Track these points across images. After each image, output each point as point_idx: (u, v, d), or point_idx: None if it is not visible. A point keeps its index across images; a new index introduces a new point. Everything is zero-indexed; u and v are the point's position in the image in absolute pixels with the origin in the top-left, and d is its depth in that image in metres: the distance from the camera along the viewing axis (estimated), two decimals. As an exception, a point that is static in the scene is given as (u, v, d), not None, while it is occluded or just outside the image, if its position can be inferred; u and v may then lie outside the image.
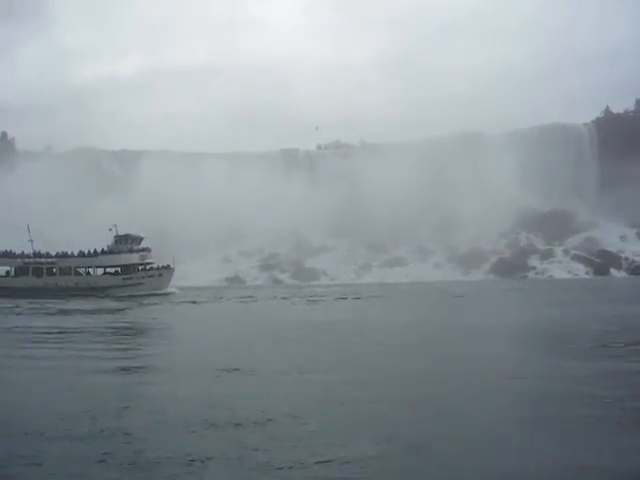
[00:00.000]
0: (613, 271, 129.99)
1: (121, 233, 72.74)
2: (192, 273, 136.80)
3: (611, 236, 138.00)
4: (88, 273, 73.70)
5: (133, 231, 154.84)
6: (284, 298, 56.97)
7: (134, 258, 71.37)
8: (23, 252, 74.07)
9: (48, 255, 73.65)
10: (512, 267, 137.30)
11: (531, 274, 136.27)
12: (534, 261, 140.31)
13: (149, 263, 72.64)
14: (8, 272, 73.97)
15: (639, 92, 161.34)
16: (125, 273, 71.35)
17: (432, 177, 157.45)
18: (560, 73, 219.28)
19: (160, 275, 71.75)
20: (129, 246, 71.95)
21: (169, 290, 70.84)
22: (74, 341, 25.81)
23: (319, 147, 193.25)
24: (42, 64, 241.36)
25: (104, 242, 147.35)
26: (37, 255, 73.67)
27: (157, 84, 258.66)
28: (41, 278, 72.04)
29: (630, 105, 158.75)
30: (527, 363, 17.97)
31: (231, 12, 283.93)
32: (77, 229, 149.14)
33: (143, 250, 72.23)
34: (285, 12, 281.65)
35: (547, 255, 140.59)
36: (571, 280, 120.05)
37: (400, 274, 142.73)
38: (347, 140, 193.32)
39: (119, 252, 71.32)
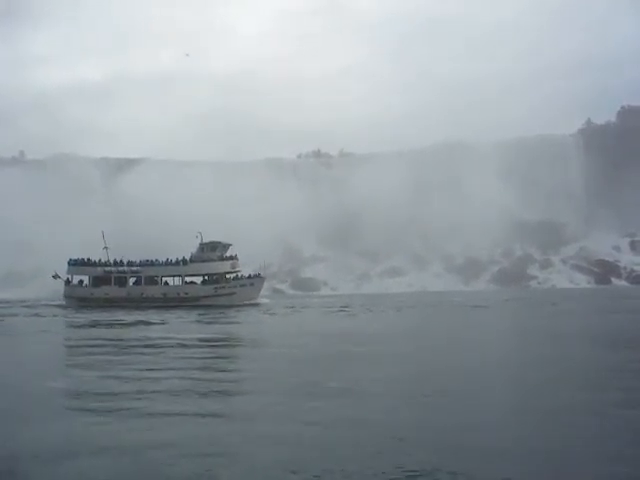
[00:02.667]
0: (614, 280, 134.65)
1: (206, 240, 69.93)
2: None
3: (604, 246, 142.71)
4: (166, 282, 70.42)
5: (124, 242, 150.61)
6: (325, 310, 53.67)
7: (225, 266, 68.56)
8: (101, 260, 70.14)
9: (130, 263, 69.94)
10: (513, 277, 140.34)
11: (533, 283, 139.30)
12: (534, 271, 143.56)
13: (238, 271, 70.13)
14: (82, 281, 69.81)
15: (617, 103, 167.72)
16: (215, 282, 68.58)
17: (418, 187, 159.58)
18: (538, 84, 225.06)
19: (252, 284, 69.32)
20: (218, 253, 69.17)
21: (260, 300, 68.65)
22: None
23: (299, 156, 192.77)
24: (5, 68, 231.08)
25: (91, 250, 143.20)
26: (117, 263, 69.89)
27: (124, 90, 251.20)
28: (124, 288, 68.34)
29: (611, 116, 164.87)
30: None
31: (201, 18, 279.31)
32: (61, 237, 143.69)
33: (232, 258, 69.61)
34: (255, 18, 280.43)
35: (546, 265, 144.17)
36: (575, 289, 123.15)
37: (402, 284, 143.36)
38: (327, 150, 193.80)
39: (208, 260, 68.45)
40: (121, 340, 29.24)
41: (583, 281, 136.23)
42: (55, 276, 71.05)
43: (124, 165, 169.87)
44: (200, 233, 69.92)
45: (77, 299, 67.76)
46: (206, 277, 69.46)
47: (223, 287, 67.81)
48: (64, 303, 69.00)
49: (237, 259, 70.02)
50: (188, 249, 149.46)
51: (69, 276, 70.65)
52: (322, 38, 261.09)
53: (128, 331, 34.31)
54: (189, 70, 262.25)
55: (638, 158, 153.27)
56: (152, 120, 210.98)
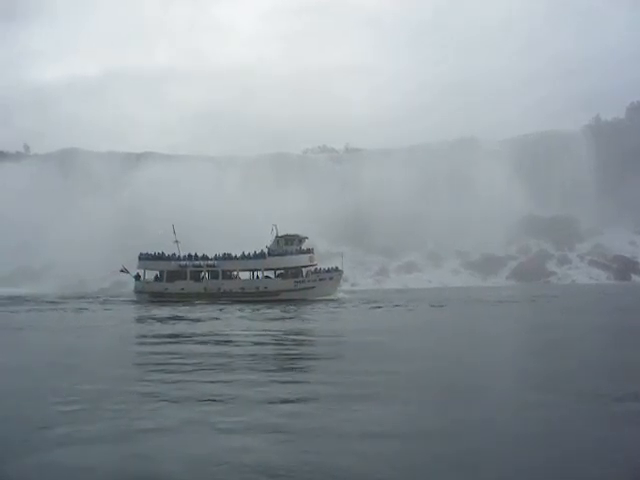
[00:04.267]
0: (634, 276, 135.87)
1: (281, 233, 68.19)
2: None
3: (620, 242, 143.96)
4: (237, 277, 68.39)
5: (134, 237, 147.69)
6: (372, 306, 50.14)
7: (304, 260, 66.68)
8: (175, 254, 67.97)
9: (205, 257, 67.84)
10: (532, 272, 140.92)
11: (553, 279, 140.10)
12: (552, 266, 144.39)
13: (315, 265, 68.50)
14: (157, 276, 67.53)
15: (622, 100, 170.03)
16: (292, 276, 66.86)
17: (428, 183, 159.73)
18: (545, 81, 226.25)
19: (331, 278, 67.76)
20: (296, 247, 67.44)
21: (338, 295, 67.19)
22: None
23: (305, 152, 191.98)
24: (2, 64, 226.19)
25: (103, 244, 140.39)
26: (192, 257, 67.77)
27: (120, 87, 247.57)
28: (200, 282, 66.21)
29: (620, 113, 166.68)
30: None
31: (195, 16, 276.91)
32: (71, 232, 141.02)
33: (309, 251, 67.94)
34: (249, 16, 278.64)
35: (563, 261, 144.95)
36: (595, 285, 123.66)
37: (421, 280, 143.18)
38: (332, 146, 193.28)
39: (287, 253, 66.68)
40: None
41: (602, 277, 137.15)
42: (123, 270, 68.63)
43: (131, 159, 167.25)
44: (275, 226, 68.16)
45: (150, 294, 65.42)
46: (282, 271, 67.63)
47: (303, 281, 66.12)
48: (134, 299, 66.59)
49: (313, 252, 68.41)
50: (204, 244, 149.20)
51: (139, 271, 68.15)
52: (320, 35, 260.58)
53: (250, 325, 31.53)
54: (186, 67, 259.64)
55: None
56: (150, 116, 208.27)
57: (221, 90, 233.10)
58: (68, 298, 76.06)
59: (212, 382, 13.40)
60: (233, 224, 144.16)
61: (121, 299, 68.84)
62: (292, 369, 15.86)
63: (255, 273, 67.64)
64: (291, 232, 68.72)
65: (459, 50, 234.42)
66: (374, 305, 51.34)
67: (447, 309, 46.31)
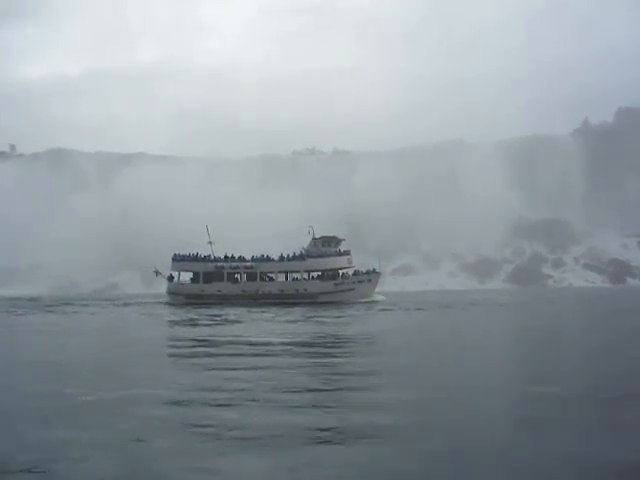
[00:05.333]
0: (629, 280, 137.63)
1: (318, 235, 67.12)
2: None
3: (612, 245, 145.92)
4: (271, 278, 67.09)
5: (124, 238, 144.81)
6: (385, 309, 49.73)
7: (343, 262, 65.68)
8: (211, 255, 66.39)
9: (242, 259, 66.39)
10: (529, 275, 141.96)
11: (549, 282, 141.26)
12: (547, 269, 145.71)
13: (353, 267, 67.55)
14: (193, 278, 65.82)
15: (611, 103, 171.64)
16: (330, 278, 65.82)
17: (419, 185, 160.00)
18: (533, 83, 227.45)
19: (369, 280, 66.84)
20: (334, 248, 66.41)
21: (376, 297, 66.24)
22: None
23: (293, 153, 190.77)
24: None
25: (91, 245, 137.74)
26: (228, 258, 66.26)
27: (104, 86, 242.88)
28: (238, 284, 64.75)
29: (608, 117, 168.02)
30: None
31: (184, 15, 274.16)
32: (58, 233, 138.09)
33: (348, 253, 66.96)
34: (237, 17, 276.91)
35: (558, 264, 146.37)
36: (592, 288, 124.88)
37: (418, 282, 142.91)
38: (320, 147, 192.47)
39: (326, 255, 65.56)
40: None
41: (598, 280, 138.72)
42: (156, 272, 66.78)
43: (120, 160, 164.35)
44: (312, 227, 67.06)
45: (185, 296, 63.75)
46: (318, 273, 66.51)
47: (342, 283, 65.14)
48: (168, 300, 64.84)
49: (351, 254, 67.44)
50: (195, 245, 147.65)
51: (172, 272, 66.41)
52: (309, 37, 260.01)
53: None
54: (172, 67, 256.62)
55: (635, 158, 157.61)
56: (135, 116, 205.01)
57: (207, 91, 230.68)
58: (74, 300, 74.25)
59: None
60: (226, 225, 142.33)
61: (154, 300, 66.71)
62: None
63: (291, 275, 66.45)
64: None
65: (449, 52, 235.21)
66: (415, 308, 51.50)
67: (463, 312, 46.75)
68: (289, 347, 22.27)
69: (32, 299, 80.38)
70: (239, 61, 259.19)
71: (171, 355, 21.73)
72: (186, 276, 66.73)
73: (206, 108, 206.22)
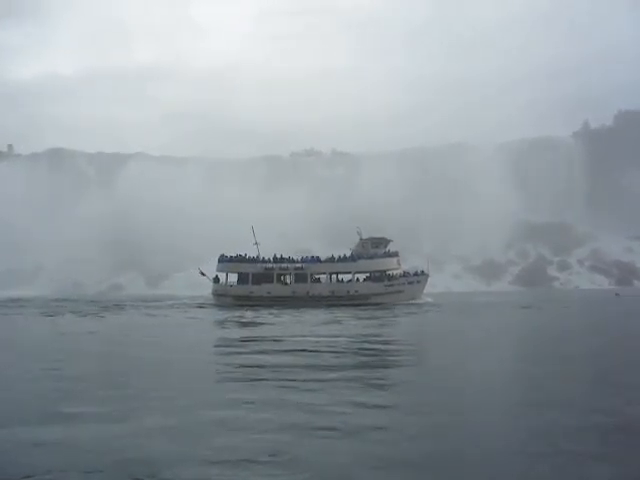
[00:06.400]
0: (636, 282, 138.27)
1: (365, 236, 66.43)
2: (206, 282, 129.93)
3: (616, 248, 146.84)
4: (318, 279, 66.12)
5: (125, 238, 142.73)
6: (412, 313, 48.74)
7: (393, 263, 65.03)
8: (258, 256, 65.21)
9: (290, 260, 65.34)
10: (535, 278, 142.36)
11: (556, 284, 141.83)
12: (553, 272, 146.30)
13: (401, 268, 66.86)
14: (240, 279, 64.52)
15: (610, 106, 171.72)
16: (379, 279, 65.00)
17: (421, 187, 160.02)
18: (531, 84, 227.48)
19: (418, 282, 66.25)
20: (384, 249, 65.75)
21: (424, 299, 65.63)
22: None
23: (292, 155, 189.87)
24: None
25: (88, 245, 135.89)
26: (276, 259, 65.15)
27: (100, 86, 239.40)
28: (288, 286, 63.70)
29: (607, 120, 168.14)
30: None
31: (181, 16, 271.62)
32: (60, 234, 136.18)
33: (396, 254, 66.29)
34: (235, 17, 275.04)
35: (563, 266, 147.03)
36: (598, 291, 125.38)
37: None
38: (319, 149, 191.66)
39: (376, 256, 64.81)
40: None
41: (604, 282, 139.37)
42: (201, 273, 65.38)
43: (120, 160, 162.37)
44: (359, 228, 66.38)
45: (233, 297, 62.48)
46: (368, 274, 65.71)
47: (392, 285, 64.40)
48: (215, 302, 63.47)
49: (399, 255, 66.78)
50: (198, 247, 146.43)
51: (217, 274, 65.12)
52: (309, 38, 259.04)
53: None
54: (169, 67, 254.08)
55: (636, 161, 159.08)
56: (133, 116, 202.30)
57: (204, 91, 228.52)
58: (106, 302, 72.85)
59: None
60: (228, 226, 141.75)
61: (197, 302, 65.19)
62: None
63: (339, 276, 65.72)
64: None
65: (449, 52, 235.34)
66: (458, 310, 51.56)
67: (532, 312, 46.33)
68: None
69: (56, 300, 78.72)
70: (238, 62, 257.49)
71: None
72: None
73: (203, 109, 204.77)
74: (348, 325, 34.47)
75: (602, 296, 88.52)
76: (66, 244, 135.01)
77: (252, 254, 66.49)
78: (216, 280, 64.90)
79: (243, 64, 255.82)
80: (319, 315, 42.71)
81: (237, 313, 47.63)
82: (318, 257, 65.19)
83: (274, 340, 25.64)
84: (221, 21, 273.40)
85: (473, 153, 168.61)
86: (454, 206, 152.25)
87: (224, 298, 63.01)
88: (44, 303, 67.26)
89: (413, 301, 62.62)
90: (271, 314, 44.67)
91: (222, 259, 64.89)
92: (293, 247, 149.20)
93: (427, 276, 66.88)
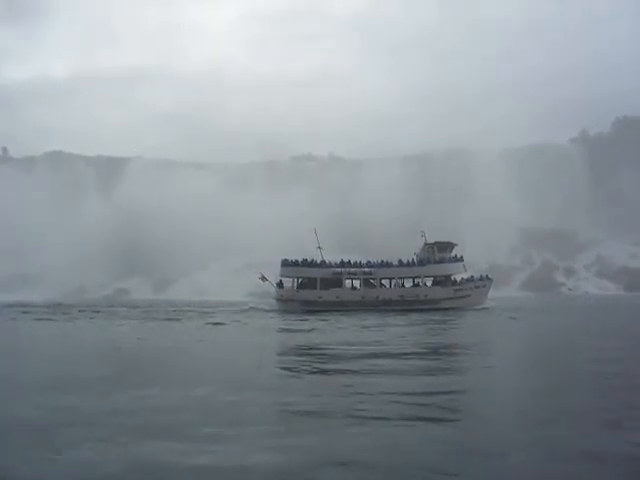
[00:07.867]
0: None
1: (432, 241, 65.41)
2: (211, 287, 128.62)
3: (620, 254, 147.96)
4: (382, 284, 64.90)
5: (128, 244, 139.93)
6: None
7: (459, 267, 64.21)
8: (324, 260, 63.59)
9: (358, 264, 63.90)
10: (543, 283, 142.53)
11: (564, 290, 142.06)
12: (560, 277, 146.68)
13: (466, 273, 65.92)
14: (304, 284, 62.79)
15: (607, 112, 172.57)
16: (446, 284, 63.99)
17: (423, 193, 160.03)
18: (532, 89, 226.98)
19: (484, 286, 65.44)
20: (450, 254, 64.79)
21: (488, 304, 64.83)
22: None
23: (291, 159, 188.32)
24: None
25: (91, 248, 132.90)
26: (344, 264, 63.59)
27: (92, 88, 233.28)
28: (357, 290, 62.26)
29: (604, 127, 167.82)
30: None
31: (173, 19, 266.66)
32: (62, 239, 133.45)
33: (461, 259, 65.35)
34: (224, 19, 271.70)
35: (570, 272, 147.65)
36: (611, 296, 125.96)
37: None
38: (316, 153, 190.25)
39: (442, 261, 63.84)
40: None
41: (612, 288, 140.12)
42: (263, 278, 63.46)
43: (118, 164, 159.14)
44: (424, 232, 65.34)
45: (301, 303, 60.82)
46: (432, 279, 64.71)
47: (461, 289, 63.44)
48: (280, 307, 61.67)
49: (464, 260, 65.88)
50: (201, 252, 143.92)
51: (281, 279, 63.31)
52: (301, 40, 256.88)
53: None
54: (159, 71, 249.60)
55: (635, 167, 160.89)
56: (123, 119, 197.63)
57: (195, 94, 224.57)
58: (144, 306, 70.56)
59: None
60: (232, 229, 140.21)
61: (260, 307, 63.19)
62: None
63: (403, 281, 64.60)
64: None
65: (445, 57, 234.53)
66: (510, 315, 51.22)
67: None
68: None
69: (74, 306, 75.74)
70: (231, 65, 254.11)
71: None
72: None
73: (197, 112, 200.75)
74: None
75: (611, 301, 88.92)
76: (68, 248, 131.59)
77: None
78: (280, 285, 63.03)
79: (237, 67, 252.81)
80: (427, 322, 41.26)
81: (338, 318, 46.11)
82: (387, 261, 63.82)
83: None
84: (214, 24, 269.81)
85: (474, 158, 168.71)
86: (457, 210, 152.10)
87: (290, 303, 61.24)
88: (91, 308, 64.20)
89: (479, 305, 61.73)
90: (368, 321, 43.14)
91: (286, 263, 63.07)
92: (301, 253, 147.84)
93: (491, 281, 66.23)
